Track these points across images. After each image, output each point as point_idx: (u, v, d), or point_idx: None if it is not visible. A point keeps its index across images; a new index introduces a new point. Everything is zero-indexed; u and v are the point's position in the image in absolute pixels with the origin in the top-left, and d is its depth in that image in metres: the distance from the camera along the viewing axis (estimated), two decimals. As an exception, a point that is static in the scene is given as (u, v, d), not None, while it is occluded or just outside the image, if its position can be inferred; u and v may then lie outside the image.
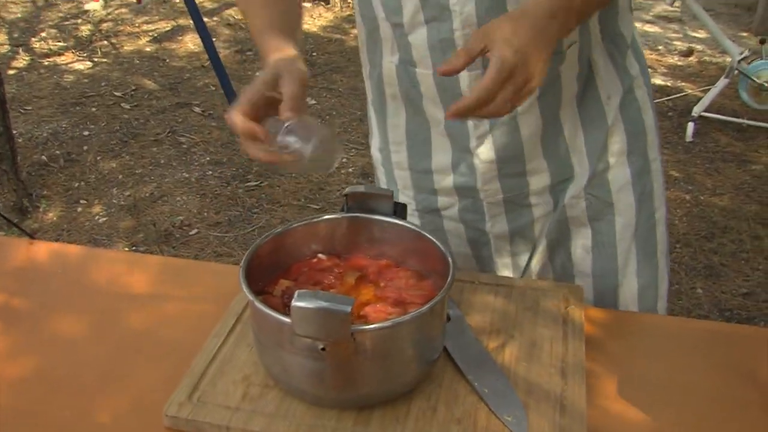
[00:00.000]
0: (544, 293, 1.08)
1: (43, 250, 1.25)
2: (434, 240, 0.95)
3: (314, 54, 5.35)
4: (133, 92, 4.49)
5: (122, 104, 4.31)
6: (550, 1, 0.90)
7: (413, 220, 1.22)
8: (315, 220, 1.01)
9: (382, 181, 1.30)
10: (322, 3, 6.58)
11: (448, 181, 1.22)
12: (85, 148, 3.70)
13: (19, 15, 5.99)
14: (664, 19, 5.95)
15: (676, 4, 5.17)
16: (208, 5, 6.28)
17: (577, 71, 1.12)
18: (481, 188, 1.19)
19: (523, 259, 1.26)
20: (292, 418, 0.86)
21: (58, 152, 3.65)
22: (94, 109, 4.21)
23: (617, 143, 1.18)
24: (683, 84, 4.53)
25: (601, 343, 1.00)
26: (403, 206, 1.01)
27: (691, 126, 3.69)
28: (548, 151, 1.17)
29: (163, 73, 4.87)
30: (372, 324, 0.84)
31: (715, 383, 0.93)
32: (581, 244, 1.21)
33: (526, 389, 0.90)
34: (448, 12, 1.02)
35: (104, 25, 5.89)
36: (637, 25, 6.01)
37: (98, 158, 3.65)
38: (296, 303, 0.77)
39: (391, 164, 1.27)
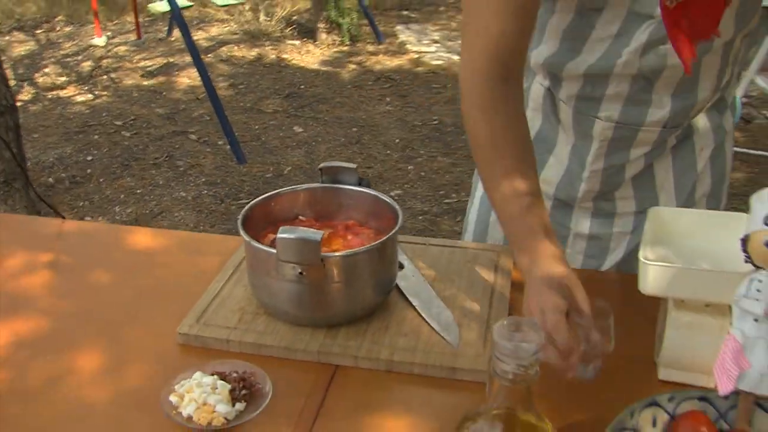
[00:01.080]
0: (483, 251, 1.35)
1: (74, 225, 1.52)
2: (390, 202, 1.22)
3: (302, 87, 5.65)
4: (132, 121, 4.78)
5: (123, 132, 4.60)
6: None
7: None
8: (297, 188, 1.28)
9: None
10: (311, 41, 6.91)
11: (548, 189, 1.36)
12: (89, 171, 3.97)
13: (23, 53, 6.29)
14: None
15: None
16: (204, 44, 6.60)
17: (679, 131, 1.27)
18: (578, 205, 1.37)
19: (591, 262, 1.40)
20: (276, 334, 1.11)
21: (63, 175, 3.92)
22: (96, 137, 4.50)
23: (702, 188, 1.33)
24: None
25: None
26: (367, 180, 1.28)
27: None
28: (637, 189, 1.33)
29: (161, 105, 5.17)
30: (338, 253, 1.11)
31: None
32: None
33: (461, 314, 1.16)
34: None
35: (104, 62, 6.20)
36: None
37: (101, 180, 3.92)
38: (280, 234, 1.03)
39: None
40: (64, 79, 5.70)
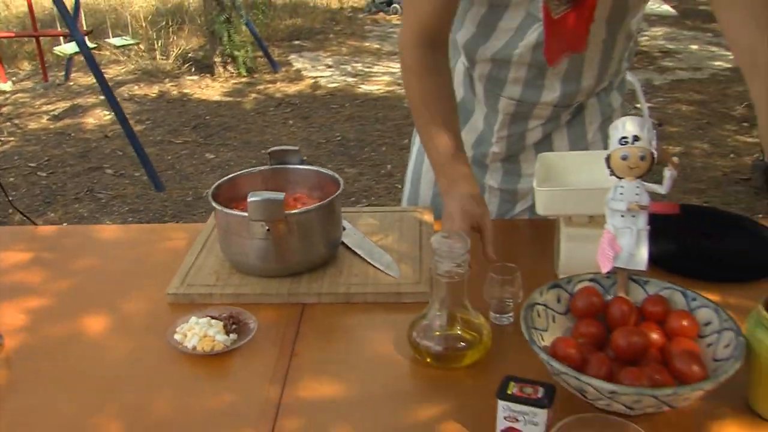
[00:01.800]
0: (409, 212, 1.62)
1: (49, 228, 1.72)
2: (330, 173, 1.48)
3: (207, 117, 5.84)
4: (47, 162, 4.87)
5: (39, 173, 4.69)
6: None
7: None
8: (252, 170, 1.52)
9: None
10: (209, 75, 7.10)
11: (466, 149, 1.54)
12: (10, 211, 4.06)
13: None
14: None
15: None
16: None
17: (572, 110, 1.58)
18: (489, 163, 1.66)
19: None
20: (250, 285, 1.35)
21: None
22: (12, 179, 4.58)
23: (595, 150, 1.61)
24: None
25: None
26: (308, 161, 1.54)
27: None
28: (539, 153, 1.52)
29: (72, 145, 5.27)
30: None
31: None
32: None
33: (398, 257, 1.42)
34: None
35: (5, 109, 6.22)
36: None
37: (24, 219, 4.00)
38: (250, 198, 1.28)
39: None
40: (-34, 128, 5.73)
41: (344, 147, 5.03)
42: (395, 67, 6.80)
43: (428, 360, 1.13)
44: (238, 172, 1.51)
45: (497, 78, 1.54)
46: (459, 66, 1.62)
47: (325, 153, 4.95)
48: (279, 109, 5.99)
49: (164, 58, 7.54)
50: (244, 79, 6.92)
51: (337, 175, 1.46)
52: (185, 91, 6.64)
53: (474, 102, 1.63)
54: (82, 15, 6.68)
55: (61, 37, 6.37)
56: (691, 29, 8.59)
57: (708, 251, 1.43)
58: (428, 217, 1.58)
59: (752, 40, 1.16)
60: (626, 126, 1.17)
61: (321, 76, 6.92)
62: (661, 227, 1.51)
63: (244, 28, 7.00)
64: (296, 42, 8.43)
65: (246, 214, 1.30)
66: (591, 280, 1.17)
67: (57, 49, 6.40)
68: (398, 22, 8.11)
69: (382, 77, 6.77)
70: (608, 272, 1.15)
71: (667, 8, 6.39)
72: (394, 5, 9.95)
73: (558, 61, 1.41)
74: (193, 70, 7.29)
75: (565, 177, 1.40)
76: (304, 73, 7.12)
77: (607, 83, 1.60)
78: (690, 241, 1.45)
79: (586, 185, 1.35)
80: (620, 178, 1.16)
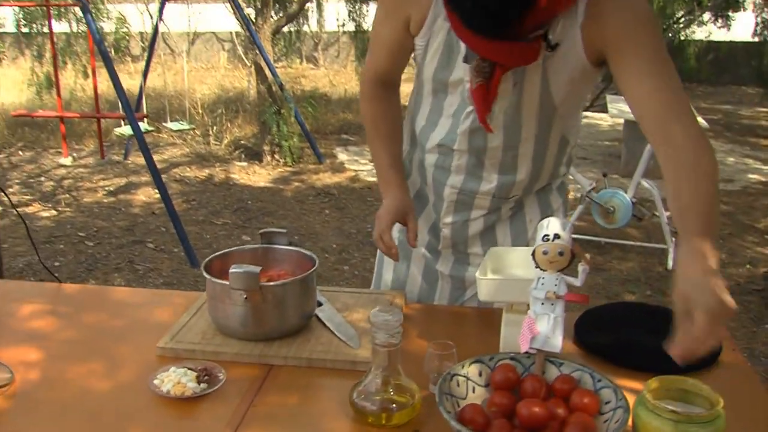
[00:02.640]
0: (384, 294, 1.82)
1: (71, 286, 1.96)
2: (309, 254, 1.69)
3: (249, 201, 6.16)
4: (95, 233, 5.21)
5: (86, 242, 5.02)
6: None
7: None
8: (243, 248, 1.75)
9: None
10: (257, 162, 7.47)
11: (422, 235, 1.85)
12: (56, 275, 4.35)
13: (-14, 175, 6.72)
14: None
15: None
16: (160, 165, 7.09)
17: (512, 205, 1.77)
18: (441, 249, 1.85)
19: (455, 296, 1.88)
20: (229, 345, 1.55)
21: (32, 279, 4.30)
22: (61, 246, 4.91)
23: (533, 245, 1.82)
24: (560, 215, 5.45)
25: (411, 316, 1.73)
26: (296, 242, 1.75)
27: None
28: (484, 245, 1.79)
29: (120, 218, 5.61)
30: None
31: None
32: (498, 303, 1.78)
33: (362, 332, 1.61)
34: None
35: (66, 182, 6.65)
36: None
37: (67, 282, 4.30)
38: (232, 269, 1.50)
39: None
40: (29, 197, 6.13)
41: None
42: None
43: (369, 419, 1.30)
44: (231, 249, 1.74)
45: (443, 167, 1.75)
46: (415, 157, 1.84)
47: (354, 243, 5.19)
48: (318, 198, 6.28)
49: (217, 143, 7.97)
50: (289, 168, 7.27)
51: (314, 256, 1.68)
52: (233, 175, 7.00)
53: (426, 190, 1.84)
54: (144, 99, 7.15)
55: (122, 119, 6.83)
56: (729, 142, 8.74)
57: (644, 344, 1.57)
58: (399, 300, 1.77)
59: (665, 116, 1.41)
60: (549, 225, 1.37)
61: (361, 170, 7.24)
62: (606, 321, 1.69)
63: (293, 119, 7.39)
64: (344, 135, 8.82)
65: (228, 283, 1.51)
66: (511, 358, 1.34)
67: (117, 130, 6.86)
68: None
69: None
70: (526, 352, 1.32)
71: (700, 120, 6.58)
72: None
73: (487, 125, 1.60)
74: (242, 156, 7.68)
75: (512, 269, 1.59)
76: (347, 165, 7.45)
77: (545, 183, 1.79)
78: (633, 335, 1.60)
79: (525, 277, 1.54)
80: (543, 270, 1.36)
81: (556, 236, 1.35)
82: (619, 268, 4.43)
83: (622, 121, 6.93)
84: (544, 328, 1.32)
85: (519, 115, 1.62)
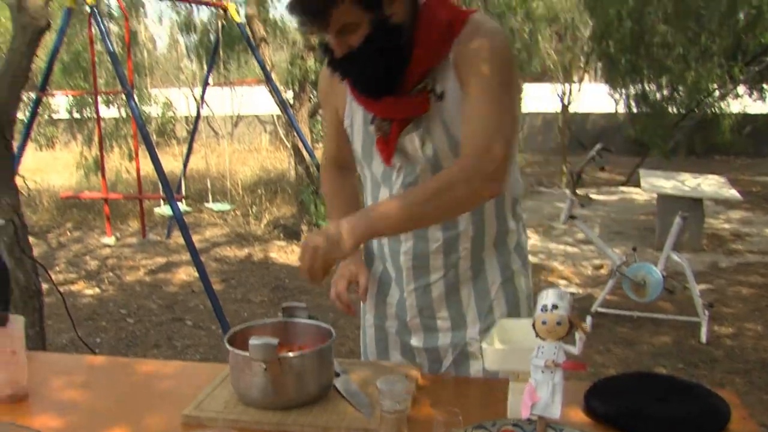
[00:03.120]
0: (397, 366, 1.89)
1: (104, 358, 2.07)
2: (327, 327, 1.78)
3: (287, 280, 6.27)
4: (135, 310, 5.36)
5: (127, 319, 5.17)
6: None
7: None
8: (265, 321, 1.84)
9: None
10: (295, 241, 7.62)
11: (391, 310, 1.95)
12: (97, 351, 4.49)
13: (36, 254, 6.96)
14: (585, 242, 7.03)
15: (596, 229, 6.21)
16: (199, 245, 7.29)
17: (470, 264, 1.83)
18: (409, 321, 1.92)
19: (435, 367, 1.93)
20: (249, 413, 1.63)
21: (74, 353, 4.44)
22: (104, 323, 5.06)
23: (499, 310, 1.85)
24: (593, 290, 5.47)
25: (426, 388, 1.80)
26: (315, 316, 1.85)
27: (589, 319, 4.56)
28: (450, 309, 1.86)
29: (161, 297, 5.77)
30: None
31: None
32: (474, 369, 1.88)
33: (376, 400, 1.69)
34: None
35: (109, 261, 6.86)
36: (562, 247, 7.08)
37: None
38: (251, 341, 1.59)
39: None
40: (74, 275, 6.34)
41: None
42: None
43: (378, 483, 1.37)
44: (253, 322, 1.83)
45: (394, 236, 1.85)
46: (372, 243, 1.96)
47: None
48: (354, 276, 6.37)
49: (257, 223, 8.16)
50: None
51: (332, 329, 1.76)
52: (271, 254, 7.15)
53: (388, 267, 1.93)
54: (184, 181, 7.39)
55: (163, 200, 7.06)
56: (768, 214, 8.70)
57: (652, 413, 1.61)
58: (415, 372, 1.84)
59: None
60: (548, 296, 1.44)
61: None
62: (617, 390, 1.74)
63: (330, 199, 7.52)
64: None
65: (248, 354, 1.60)
66: (514, 424, 1.40)
67: (157, 211, 7.08)
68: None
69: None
70: (528, 419, 1.38)
71: (733, 192, 6.59)
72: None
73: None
74: (281, 236, 7.85)
75: (517, 339, 1.66)
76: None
77: (496, 237, 1.84)
78: (641, 404, 1.65)
79: (530, 346, 1.60)
80: (543, 339, 1.42)
81: (554, 306, 1.42)
82: (651, 342, 4.43)
83: (655, 195, 6.96)
84: (544, 395, 1.38)
85: (439, 168, 1.73)
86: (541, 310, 1.44)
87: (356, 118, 1.83)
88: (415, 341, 1.95)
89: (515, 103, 1.70)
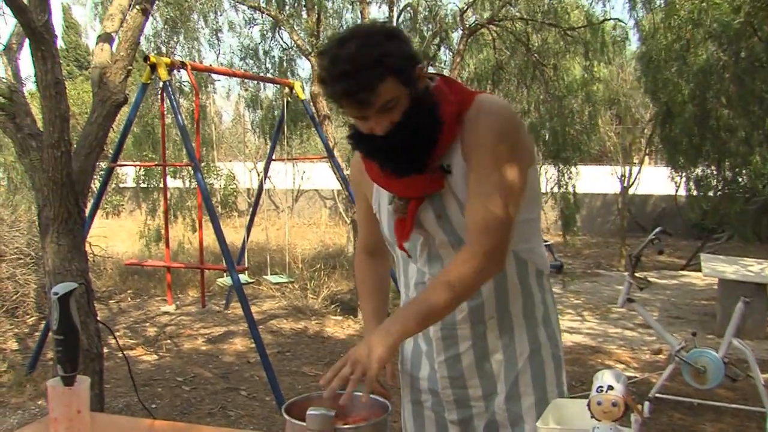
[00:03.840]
0: (452, 441, 1.90)
1: (161, 423, 2.12)
2: (383, 401, 1.80)
3: (341, 354, 6.28)
4: (192, 378, 5.43)
5: (183, 386, 5.23)
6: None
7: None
8: (323, 393, 1.88)
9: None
10: (352, 317, 7.66)
11: (424, 384, 1.97)
12: (153, 417, 4.54)
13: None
14: (643, 326, 6.91)
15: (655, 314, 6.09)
16: (257, 316, 7.37)
17: (498, 334, 1.85)
18: (441, 392, 1.94)
19: None
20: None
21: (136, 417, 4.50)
22: (160, 389, 5.13)
23: (525, 379, 1.85)
24: (651, 375, 5.35)
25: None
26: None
27: (647, 405, 4.46)
28: (481, 378, 1.87)
29: (217, 366, 5.83)
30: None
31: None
32: None
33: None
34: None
35: (168, 328, 6.98)
36: (620, 330, 6.96)
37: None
38: (309, 412, 1.62)
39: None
40: (133, 341, 6.47)
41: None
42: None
43: None
44: (311, 393, 1.87)
45: None
46: None
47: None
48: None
49: (314, 297, 8.24)
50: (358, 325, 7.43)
51: (388, 403, 1.78)
52: (327, 329, 7.19)
53: (419, 340, 1.96)
54: (246, 252, 7.53)
55: (224, 271, 7.19)
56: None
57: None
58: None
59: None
60: (603, 377, 1.46)
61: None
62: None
63: (387, 275, 7.58)
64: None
65: (305, 424, 1.63)
66: None
67: (219, 281, 7.21)
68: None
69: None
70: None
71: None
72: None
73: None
74: (338, 310, 7.90)
75: (572, 420, 1.66)
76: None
77: (523, 305, 1.86)
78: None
79: (583, 427, 1.60)
80: (598, 420, 1.43)
81: (610, 387, 1.42)
82: (712, 431, 4.30)
83: (716, 280, 6.83)
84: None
85: (459, 239, 1.78)
86: (597, 390, 1.45)
87: (383, 201, 1.90)
88: (449, 414, 1.95)
89: (521, 177, 1.74)
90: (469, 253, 1.68)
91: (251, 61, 9.38)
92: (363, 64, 1.63)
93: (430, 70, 7.85)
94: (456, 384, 1.92)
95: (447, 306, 1.70)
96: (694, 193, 9.46)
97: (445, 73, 7.87)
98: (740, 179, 9.01)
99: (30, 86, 12.05)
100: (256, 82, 9.87)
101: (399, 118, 1.68)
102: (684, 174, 9.64)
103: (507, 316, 1.87)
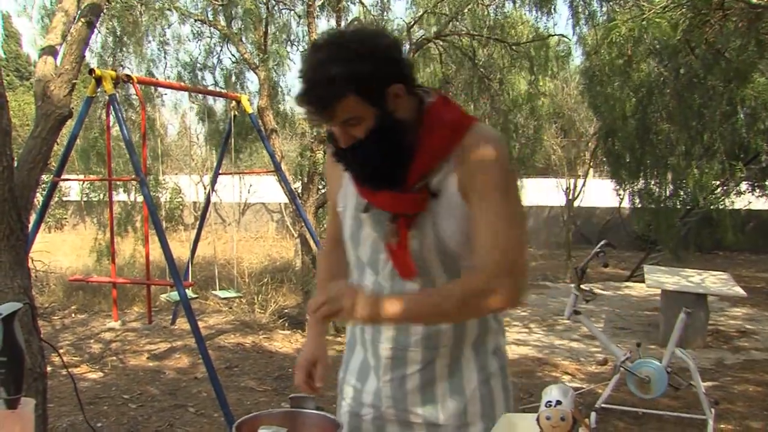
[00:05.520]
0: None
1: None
2: (334, 418, 1.80)
3: (290, 369, 6.25)
4: (138, 395, 5.34)
5: (129, 404, 5.15)
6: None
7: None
8: (272, 412, 1.87)
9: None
10: (299, 331, 7.62)
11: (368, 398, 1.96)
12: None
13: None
14: (589, 337, 7.02)
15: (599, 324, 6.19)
16: (204, 331, 7.29)
17: (448, 362, 1.86)
18: (384, 410, 1.92)
19: None
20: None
21: (75, 439, 4.42)
22: (105, 407, 5.04)
23: (473, 409, 1.86)
24: (597, 386, 5.44)
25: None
26: (322, 408, 1.88)
27: (593, 415, 4.54)
28: (425, 405, 1.87)
29: (164, 382, 5.75)
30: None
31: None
32: None
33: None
34: None
35: (113, 345, 6.86)
36: (566, 342, 7.07)
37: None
38: (262, 430, 1.62)
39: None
40: (77, 359, 6.34)
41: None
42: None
43: None
44: (261, 412, 1.86)
45: (377, 327, 1.89)
46: (358, 328, 1.99)
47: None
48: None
49: (261, 311, 8.18)
50: (330, 337, 7.40)
51: (339, 420, 1.79)
52: (275, 343, 7.15)
53: (368, 356, 1.96)
54: (191, 267, 7.44)
55: (170, 286, 7.10)
56: (773, 311, 8.68)
57: None
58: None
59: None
60: (552, 392, 1.48)
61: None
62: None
63: (336, 289, 7.55)
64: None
65: (256, 446, 1.63)
66: None
67: (163, 296, 7.12)
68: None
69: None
70: None
71: (738, 289, 6.62)
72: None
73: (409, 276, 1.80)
74: (285, 325, 7.85)
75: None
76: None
77: (476, 336, 1.87)
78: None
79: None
80: (547, 436, 1.45)
81: (558, 402, 1.45)
82: (654, 440, 4.40)
83: (659, 291, 6.99)
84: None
85: (427, 264, 1.79)
86: (545, 405, 1.47)
87: (349, 204, 1.89)
88: (390, 430, 1.95)
89: (522, 209, 1.77)
90: (499, 285, 1.68)
91: (200, 74, 9.30)
92: (320, 82, 1.64)
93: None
94: (399, 406, 1.91)
95: (445, 316, 1.77)
96: (638, 205, 9.66)
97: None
98: (681, 192, 9.22)
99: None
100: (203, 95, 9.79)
101: (363, 135, 1.68)
102: (627, 187, 9.84)
103: (460, 346, 1.87)
